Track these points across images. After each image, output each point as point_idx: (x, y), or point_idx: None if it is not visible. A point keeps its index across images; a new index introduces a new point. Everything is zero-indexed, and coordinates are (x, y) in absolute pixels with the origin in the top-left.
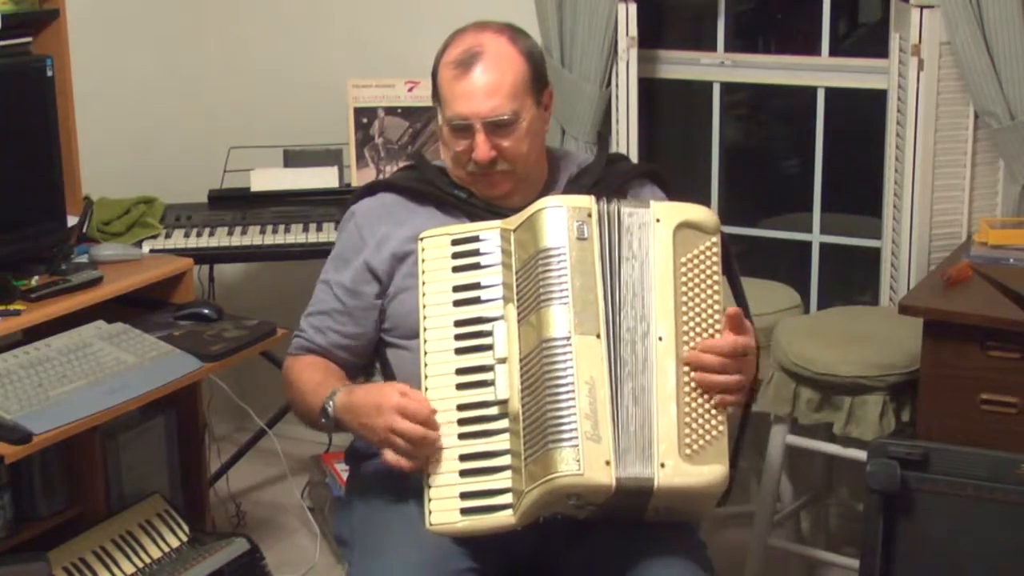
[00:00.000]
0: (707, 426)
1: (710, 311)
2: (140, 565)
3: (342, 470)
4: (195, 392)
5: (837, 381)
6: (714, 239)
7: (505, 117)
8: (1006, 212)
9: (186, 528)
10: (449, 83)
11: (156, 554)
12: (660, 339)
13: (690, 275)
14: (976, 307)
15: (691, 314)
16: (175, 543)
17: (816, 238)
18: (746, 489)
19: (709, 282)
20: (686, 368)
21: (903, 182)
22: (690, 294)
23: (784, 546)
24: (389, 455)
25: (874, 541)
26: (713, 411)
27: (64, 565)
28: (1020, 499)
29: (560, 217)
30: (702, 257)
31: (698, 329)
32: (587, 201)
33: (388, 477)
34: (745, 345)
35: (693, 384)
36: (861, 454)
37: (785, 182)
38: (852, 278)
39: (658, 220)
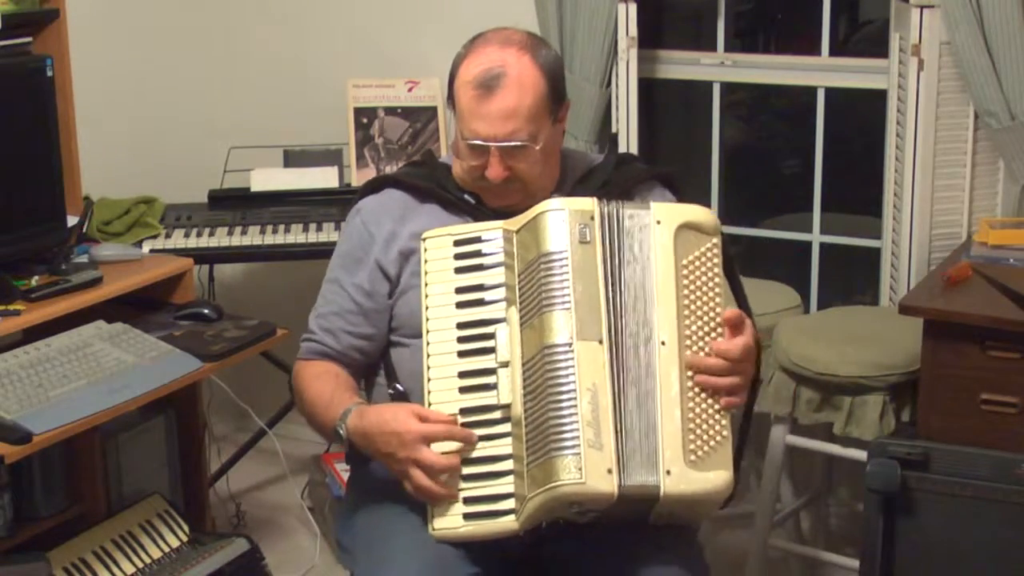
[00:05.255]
0: (711, 432)
1: (712, 314)
2: (140, 565)
3: (342, 470)
4: (195, 392)
5: (837, 381)
6: (715, 240)
7: (522, 142)
8: (1006, 212)
9: (186, 528)
10: (468, 102)
11: (156, 554)
12: (663, 344)
13: (692, 278)
14: (976, 307)
15: (693, 318)
16: (175, 543)
17: (816, 238)
18: (746, 489)
19: (711, 284)
20: (689, 373)
21: (903, 182)
22: (692, 297)
23: (784, 546)
24: (411, 488)
25: (874, 541)
26: (717, 416)
27: (64, 565)
28: (1020, 499)
29: (562, 220)
30: (703, 259)
31: (700, 333)
32: (590, 204)
33: (391, 481)
34: (745, 346)
35: (697, 389)
36: (861, 454)
37: (785, 182)
38: (852, 278)
39: (658, 222)
